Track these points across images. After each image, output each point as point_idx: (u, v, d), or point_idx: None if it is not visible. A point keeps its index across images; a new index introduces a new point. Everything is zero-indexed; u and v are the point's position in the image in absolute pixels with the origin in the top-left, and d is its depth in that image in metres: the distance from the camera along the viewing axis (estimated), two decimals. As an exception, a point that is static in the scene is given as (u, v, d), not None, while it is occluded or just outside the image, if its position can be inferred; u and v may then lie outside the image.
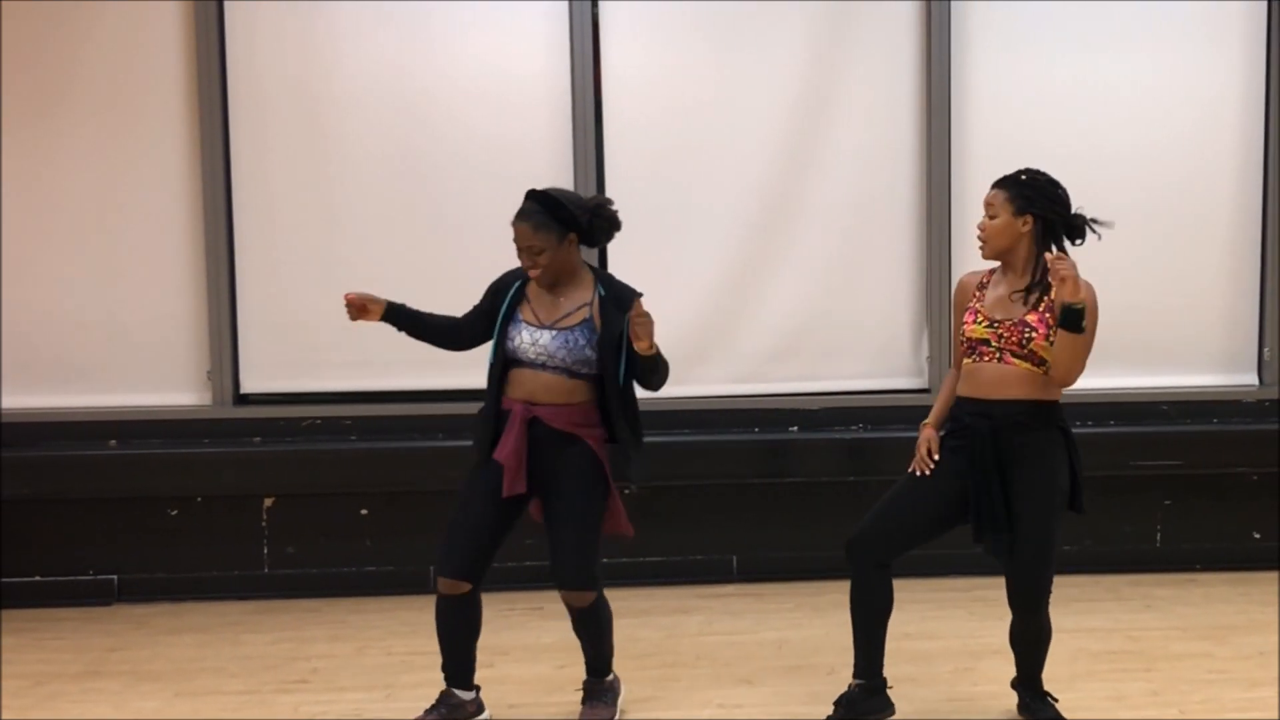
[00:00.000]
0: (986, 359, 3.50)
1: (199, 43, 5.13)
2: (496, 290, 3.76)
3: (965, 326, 3.56)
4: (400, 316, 3.78)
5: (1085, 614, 4.80)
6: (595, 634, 3.77)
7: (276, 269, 5.22)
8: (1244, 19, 5.33)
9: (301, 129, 5.19)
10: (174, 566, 5.20)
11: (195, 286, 5.23)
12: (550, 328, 3.62)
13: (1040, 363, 3.45)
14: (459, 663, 3.75)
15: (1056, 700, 3.73)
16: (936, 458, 3.60)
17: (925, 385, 5.32)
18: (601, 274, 3.75)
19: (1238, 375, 5.45)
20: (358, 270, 5.17)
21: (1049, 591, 3.57)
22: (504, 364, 3.65)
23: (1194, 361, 5.42)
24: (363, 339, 5.14)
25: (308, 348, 5.23)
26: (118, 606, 5.15)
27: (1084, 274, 5.25)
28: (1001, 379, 3.48)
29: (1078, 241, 3.54)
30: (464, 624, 3.72)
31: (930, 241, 5.28)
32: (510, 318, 3.66)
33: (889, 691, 3.71)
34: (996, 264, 3.62)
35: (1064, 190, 3.54)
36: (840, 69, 5.28)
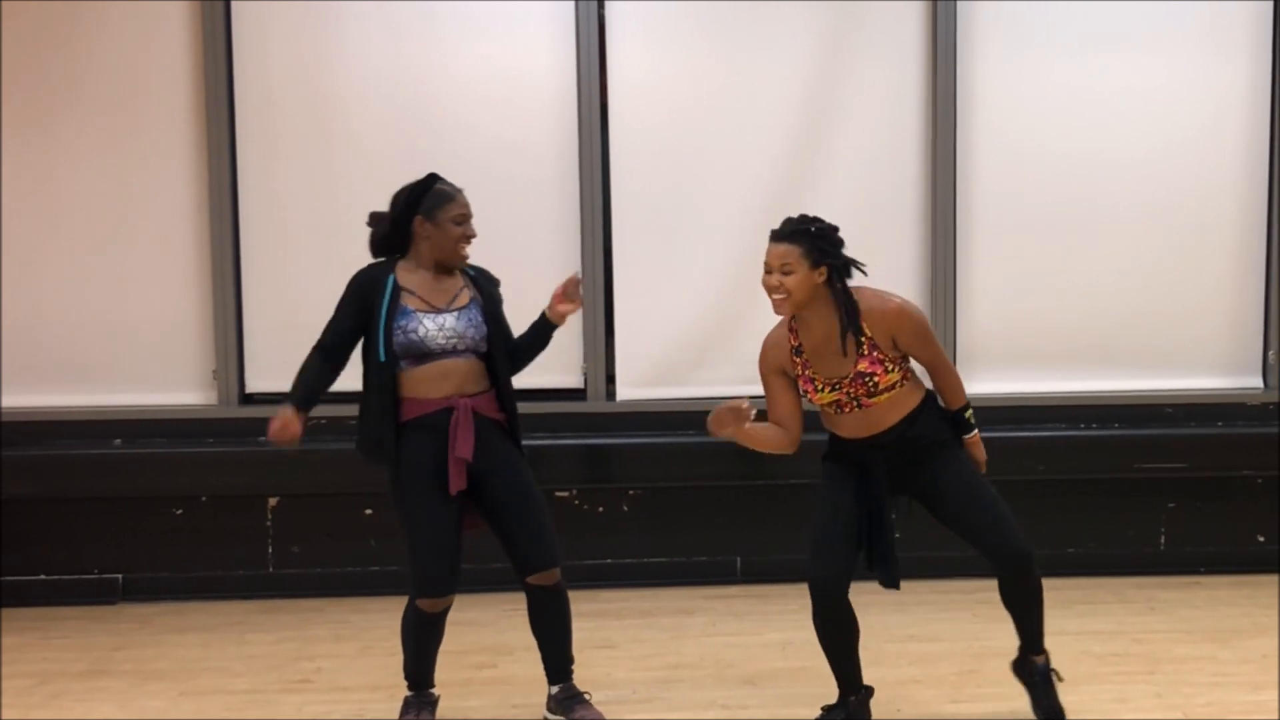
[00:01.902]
0: (846, 410, 3.51)
1: (205, 43, 5.14)
2: (364, 290, 3.61)
3: (810, 397, 3.54)
4: (308, 403, 3.71)
5: (1089, 616, 4.80)
6: (563, 618, 3.75)
7: (282, 268, 5.23)
8: (1250, 23, 5.32)
9: (308, 130, 5.20)
10: (179, 566, 5.21)
11: (201, 286, 5.24)
12: (448, 310, 3.59)
13: (893, 386, 3.47)
14: (431, 666, 3.73)
15: (1061, 679, 3.69)
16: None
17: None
18: None
19: (1242, 378, 5.44)
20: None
21: (1023, 544, 3.48)
22: (396, 361, 3.57)
23: (1199, 365, 5.42)
24: (368, 339, 5.16)
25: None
26: (122, 605, 5.16)
27: (1087, 275, 5.29)
28: (871, 420, 3.50)
29: (847, 280, 3.48)
30: (441, 633, 3.69)
31: (935, 244, 5.28)
32: (395, 312, 3.56)
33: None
34: (783, 320, 3.58)
35: (839, 233, 3.52)
36: (846, 71, 5.29)
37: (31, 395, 5.18)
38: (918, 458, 3.51)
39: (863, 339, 3.43)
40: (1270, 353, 5.40)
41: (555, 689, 3.81)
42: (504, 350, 3.68)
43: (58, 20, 5.11)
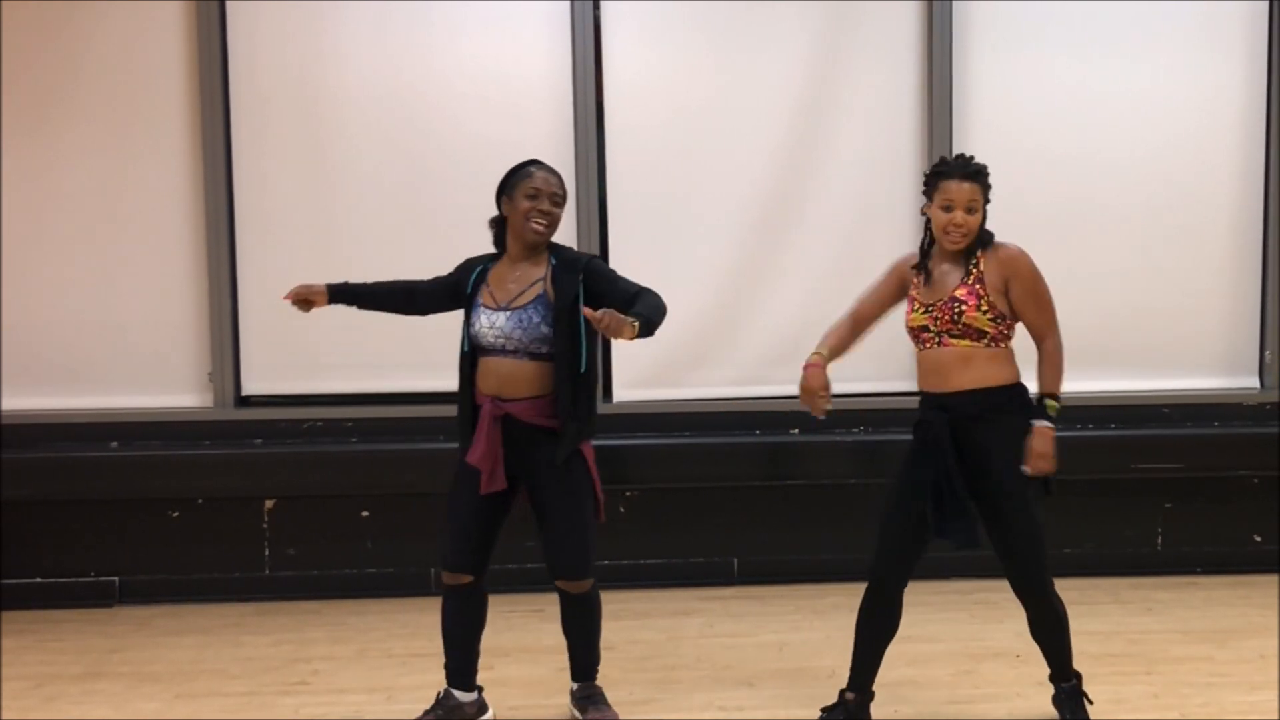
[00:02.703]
0: (928, 345, 3.51)
1: (200, 44, 5.14)
2: (462, 270, 3.73)
3: (906, 317, 3.57)
4: (349, 296, 3.78)
5: (1086, 617, 4.79)
6: (590, 625, 3.77)
7: (278, 271, 5.21)
8: (1246, 22, 5.33)
9: (303, 131, 5.20)
10: (175, 568, 5.20)
11: (196, 288, 5.23)
12: (505, 308, 3.57)
13: (979, 336, 3.43)
14: (460, 660, 3.74)
15: (1092, 702, 3.70)
16: (827, 401, 3.53)
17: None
18: (554, 246, 3.67)
19: (1239, 378, 5.45)
20: (358, 272, 5.15)
21: (1046, 569, 3.53)
22: (473, 351, 3.62)
23: (1195, 364, 5.43)
24: (363, 341, 5.17)
25: (309, 350, 5.23)
26: (119, 608, 5.16)
27: (1083, 275, 5.29)
28: (944, 364, 3.47)
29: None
30: (467, 617, 3.71)
31: (931, 244, 5.28)
32: (472, 303, 3.63)
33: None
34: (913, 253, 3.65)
35: None
36: (842, 71, 5.29)
37: (27, 398, 5.17)
38: (978, 447, 3.44)
39: (974, 267, 3.45)
40: (1267, 353, 5.40)
41: (575, 686, 3.85)
42: (577, 351, 3.54)
43: (53, 21, 5.11)
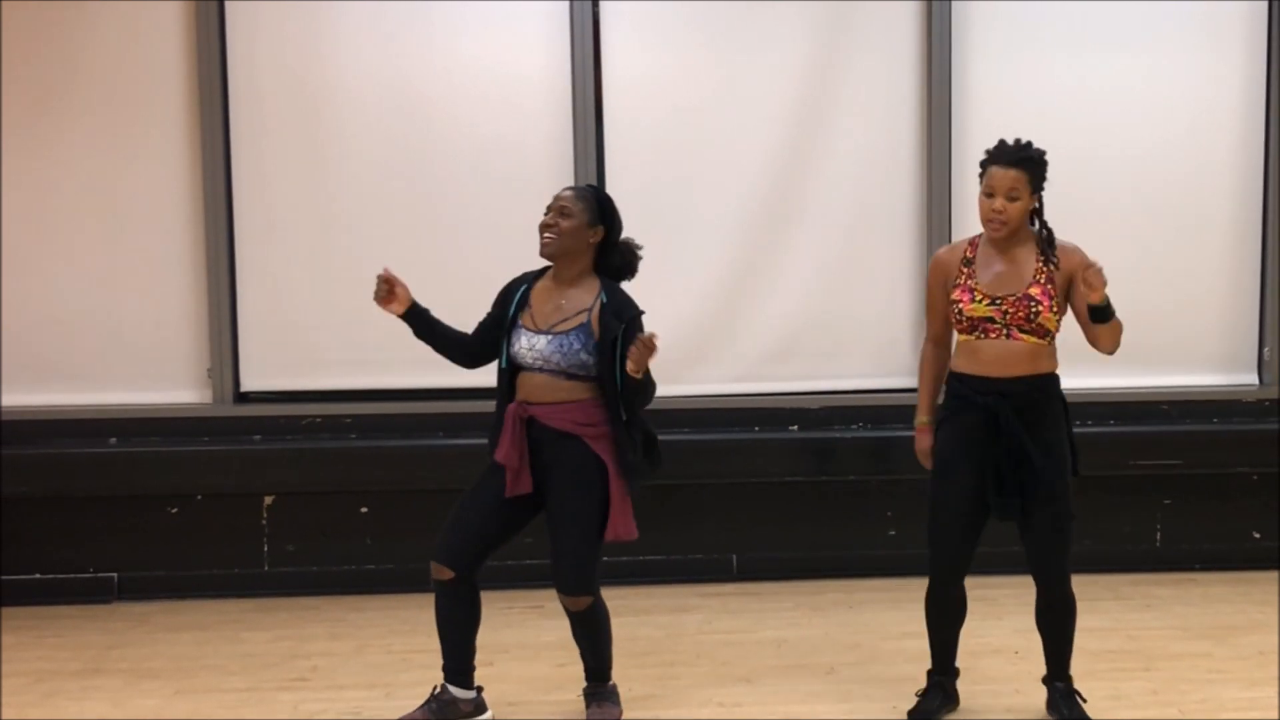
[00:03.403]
0: (992, 335, 3.51)
1: (200, 42, 5.13)
2: (505, 296, 3.73)
3: (962, 305, 3.54)
4: (420, 320, 3.72)
5: (1085, 613, 4.73)
6: (594, 637, 3.77)
7: (277, 267, 5.23)
8: (1244, 20, 5.33)
9: (302, 128, 5.19)
10: (174, 564, 5.20)
11: (195, 285, 5.23)
12: (547, 332, 3.59)
13: (1044, 334, 3.50)
14: (453, 657, 3.74)
15: (1085, 700, 3.73)
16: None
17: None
18: (608, 283, 3.68)
19: (1238, 375, 5.45)
20: (357, 269, 5.15)
21: (1070, 557, 3.61)
22: (512, 368, 3.65)
23: (1194, 361, 5.42)
24: (362, 337, 5.16)
25: (308, 346, 5.23)
26: (117, 604, 5.15)
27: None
28: (1010, 355, 3.49)
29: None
30: (456, 615, 3.70)
31: (930, 241, 5.27)
32: (514, 323, 3.65)
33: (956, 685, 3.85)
34: (966, 239, 3.66)
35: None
36: (841, 69, 5.28)
37: (25, 394, 5.16)
38: (1028, 430, 3.47)
39: (1041, 263, 3.49)
40: (1265, 349, 5.40)
41: (587, 684, 3.87)
42: (614, 379, 3.57)
43: (51, 20, 5.10)
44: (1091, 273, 3.34)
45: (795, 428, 5.27)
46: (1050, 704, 3.74)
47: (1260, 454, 5.28)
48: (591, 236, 3.63)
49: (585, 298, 3.63)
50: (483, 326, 3.75)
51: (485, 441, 3.71)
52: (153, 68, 5.16)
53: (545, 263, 3.70)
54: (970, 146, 5.28)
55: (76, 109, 5.14)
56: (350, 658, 4.45)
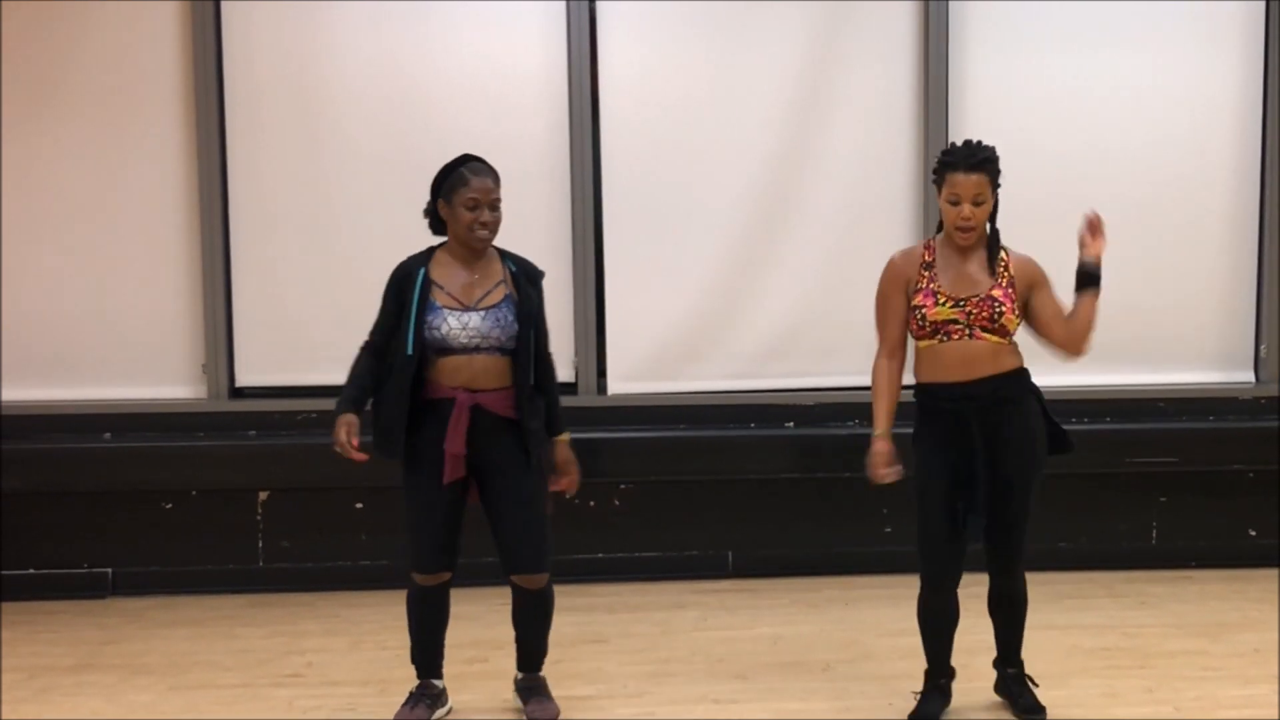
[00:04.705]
0: (955, 337, 3.48)
1: (195, 39, 5.12)
2: (400, 285, 3.64)
3: (926, 310, 3.49)
4: (361, 404, 3.67)
5: (1080, 610, 4.80)
6: (544, 619, 3.78)
7: (272, 263, 5.22)
8: (1242, 18, 5.33)
9: (297, 125, 5.18)
10: (168, 560, 5.19)
11: (191, 280, 5.22)
12: (475, 309, 3.58)
13: (1005, 334, 3.49)
14: (434, 652, 3.79)
15: (1037, 685, 3.76)
16: (899, 467, 3.60)
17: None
18: (503, 250, 3.71)
19: (1234, 372, 5.45)
20: (352, 265, 5.17)
21: (1026, 551, 3.65)
22: (422, 354, 3.58)
23: (1190, 359, 5.43)
24: (358, 333, 5.13)
25: (303, 341, 5.22)
26: (112, 600, 5.15)
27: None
28: (974, 356, 3.47)
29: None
30: (441, 613, 3.76)
31: (928, 239, 5.27)
32: (425, 307, 3.57)
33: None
34: (920, 243, 3.64)
35: None
36: (838, 67, 5.28)
37: (19, 389, 5.15)
38: (1000, 428, 3.47)
39: (1001, 266, 3.46)
40: (1262, 347, 5.40)
41: (520, 676, 3.87)
42: (533, 351, 3.64)
43: (48, 18, 5.09)
44: (1096, 218, 3.31)
45: (791, 424, 5.27)
46: (1001, 688, 3.78)
47: (1256, 451, 5.29)
48: None
49: (494, 269, 3.66)
50: (385, 327, 3.67)
51: None
52: (149, 65, 5.15)
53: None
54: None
55: (73, 106, 5.14)
56: (345, 654, 4.44)
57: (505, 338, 3.57)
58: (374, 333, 3.72)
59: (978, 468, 3.47)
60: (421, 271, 3.62)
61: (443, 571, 3.66)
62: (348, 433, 3.56)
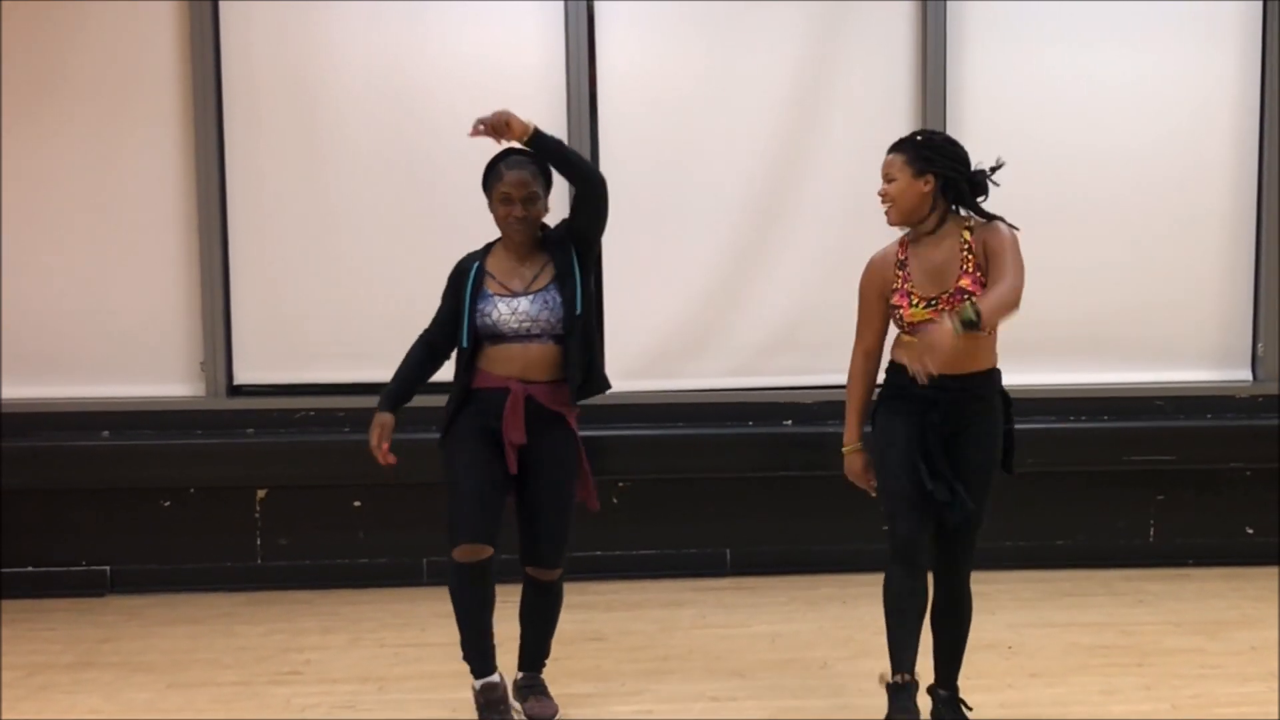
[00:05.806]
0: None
1: (194, 37, 5.12)
2: (457, 279, 3.69)
3: (903, 311, 3.47)
4: (401, 402, 3.74)
5: (1078, 608, 4.80)
6: (552, 613, 3.78)
7: (270, 261, 5.22)
8: (1239, 16, 5.33)
9: (295, 123, 5.18)
10: (167, 558, 5.19)
11: (189, 278, 5.22)
12: (525, 294, 3.60)
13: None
14: (486, 644, 3.64)
15: (971, 709, 3.61)
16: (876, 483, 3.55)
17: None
18: (547, 234, 3.71)
19: (1231, 370, 5.45)
20: (351, 262, 5.18)
21: (974, 557, 3.54)
22: (477, 343, 3.61)
23: (1188, 357, 5.43)
24: (356, 331, 5.16)
25: (301, 339, 5.22)
26: (110, 597, 5.15)
27: (1076, 268, 5.30)
28: (953, 351, 3.42)
29: (981, 199, 3.48)
30: (484, 593, 3.60)
31: (925, 236, 5.28)
32: (478, 296, 3.61)
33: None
34: (897, 238, 3.58)
35: (962, 149, 3.50)
36: (836, 63, 5.28)
37: (18, 387, 5.15)
38: (963, 427, 3.43)
39: (965, 250, 3.39)
40: (1259, 345, 5.41)
41: (520, 675, 3.83)
42: (584, 335, 3.62)
43: (47, 16, 5.09)
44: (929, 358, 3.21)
45: (789, 422, 5.27)
46: (936, 713, 3.58)
47: (1253, 449, 5.29)
48: (546, 202, 3.68)
49: (541, 254, 3.67)
50: (442, 320, 3.72)
51: None
52: (148, 64, 5.15)
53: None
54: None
55: (72, 104, 5.13)
56: (343, 651, 4.44)
57: (555, 320, 3.58)
58: (431, 325, 3.77)
59: (936, 446, 3.39)
60: (476, 264, 3.68)
61: (485, 542, 3.52)
62: (379, 435, 3.61)
